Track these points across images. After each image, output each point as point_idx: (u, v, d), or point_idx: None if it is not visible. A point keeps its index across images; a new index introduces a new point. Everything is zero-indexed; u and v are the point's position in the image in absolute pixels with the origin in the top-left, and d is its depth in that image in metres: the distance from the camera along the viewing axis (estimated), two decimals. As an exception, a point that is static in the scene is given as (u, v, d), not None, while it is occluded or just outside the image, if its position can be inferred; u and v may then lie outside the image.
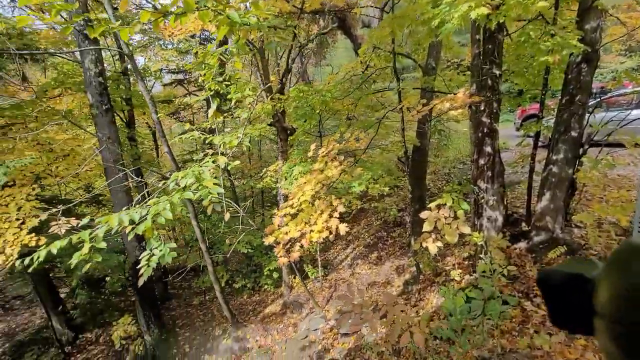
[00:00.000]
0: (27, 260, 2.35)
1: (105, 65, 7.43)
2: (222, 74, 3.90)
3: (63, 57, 7.78)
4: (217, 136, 3.71)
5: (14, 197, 5.19)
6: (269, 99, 5.29)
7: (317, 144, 5.14)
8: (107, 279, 9.45)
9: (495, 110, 4.30)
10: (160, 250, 2.53)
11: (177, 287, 10.49)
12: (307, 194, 3.75)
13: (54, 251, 2.51)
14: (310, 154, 4.46)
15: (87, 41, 6.04)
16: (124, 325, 7.22)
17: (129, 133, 9.10)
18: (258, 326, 7.11)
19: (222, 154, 3.97)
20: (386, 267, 7.49)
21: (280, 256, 3.25)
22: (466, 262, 5.41)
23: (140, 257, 2.57)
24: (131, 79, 8.64)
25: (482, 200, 4.55)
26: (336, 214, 3.58)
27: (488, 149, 4.41)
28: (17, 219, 4.79)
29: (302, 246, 3.40)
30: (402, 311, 2.26)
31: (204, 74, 3.21)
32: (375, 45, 6.72)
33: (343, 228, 3.41)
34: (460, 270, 5.09)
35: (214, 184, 2.77)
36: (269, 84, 5.06)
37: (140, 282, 2.54)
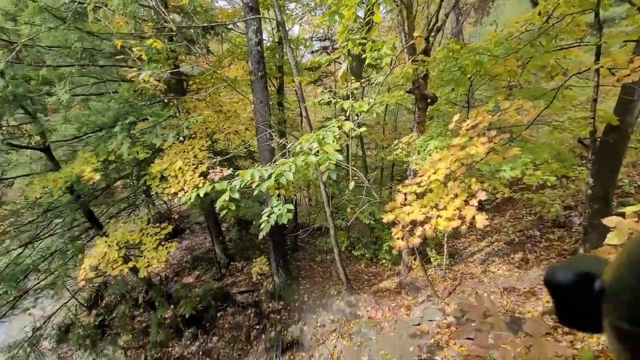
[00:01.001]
0: (183, 199, 2.81)
1: (265, 36, 8.31)
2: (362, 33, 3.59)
3: (234, 31, 9.09)
4: (346, 101, 3.51)
5: (193, 147, 6.58)
6: (410, 61, 4.68)
7: (462, 115, 4.31)
8: (254, 222, 11.31)
9: None
10: (279, 210, 2.61)
11: (305, 242, 11.61)
12: (439, 173, 3.18)
13: (201, 194, 2.94)
14: (451, 126, 3.74)
15: (251, 12, 6.75)
16: (260, 264, 8.51)
17: (278, 98, 10.12)
18: (370, 297, 7.11)
19: (353, 120, 3.78)
20: (533, 273, 6.07)
21: (398, 238, 2.90)
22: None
23: (262, 213, 2.72)
24: (284, 48, 9.39)
25: None
26: (474, 201, 2.92)
27: None
28: (193, 164, 6.07)
29: (425, 231, 2.96)
30: (558, 356, 1.60)
31: (339, 31, 2.99)
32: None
33: (481, 220, 2.75)
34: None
35: (336, 150, 2.61)
36: (411, 42, 4.42)
37: (260, 236, 2.71)
